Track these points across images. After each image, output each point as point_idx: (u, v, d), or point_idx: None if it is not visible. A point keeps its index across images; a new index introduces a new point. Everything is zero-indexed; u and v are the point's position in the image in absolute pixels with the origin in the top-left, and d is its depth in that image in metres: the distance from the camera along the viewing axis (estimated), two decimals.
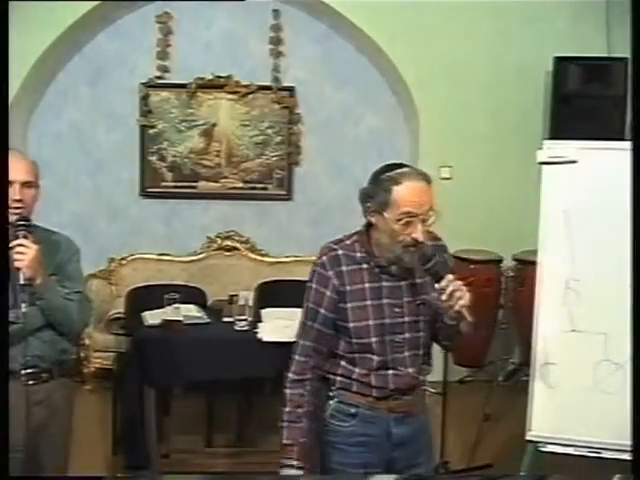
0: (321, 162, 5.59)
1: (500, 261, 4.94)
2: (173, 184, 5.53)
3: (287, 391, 2.26)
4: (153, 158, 5.49)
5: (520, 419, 2.96)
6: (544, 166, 2.96)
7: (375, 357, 2.23)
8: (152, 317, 3.70)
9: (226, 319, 3.76)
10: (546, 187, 2.95)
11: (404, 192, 2.13)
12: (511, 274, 4.93)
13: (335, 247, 2.26)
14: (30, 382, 2.44)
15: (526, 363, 3.08)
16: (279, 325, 3.59)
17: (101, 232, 5.49)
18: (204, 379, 3.72)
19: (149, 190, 5.52)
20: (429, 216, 2.15)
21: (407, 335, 2.24)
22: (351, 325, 2.22)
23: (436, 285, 2.13)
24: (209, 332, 3.68)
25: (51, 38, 5.00)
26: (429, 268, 2.13)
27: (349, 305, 2.22)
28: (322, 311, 2.24)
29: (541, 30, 5.12)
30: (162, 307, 3.60)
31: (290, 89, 5.46)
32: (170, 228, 5.58)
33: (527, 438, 2.92)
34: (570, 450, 2.86)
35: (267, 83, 5.43)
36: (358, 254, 2.24)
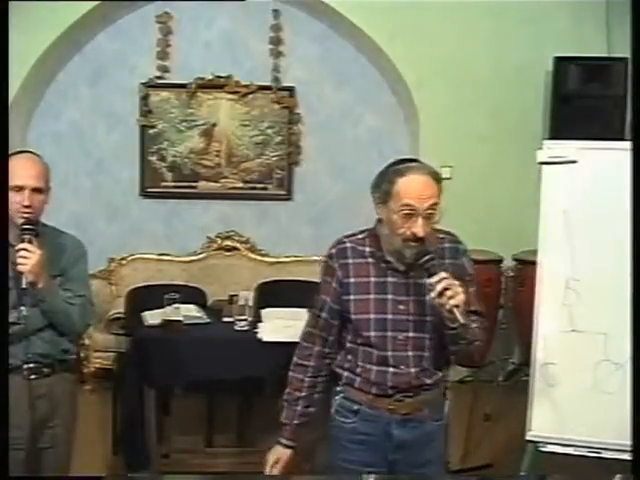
0: (321, 162, 5.59)
1: (500, 261, 4.94)
2: (173, 184, 5.53)
3: (290, 373, 2.36)
4: (153, 158, 5.49)
5: (520, 419, 2.96)
6: (544, 166, 2.96)
7: (375, 351, 2.24)
8: (152, 317, 3.70)
9: (226, 319, 3.76)
10: (546, 187, 2.95)
11: (406, 184, 2.14)
12: (511, 274, 4.93)
13: (345, 240, 2.30)
14: (32, 376, 2.47)
15: (526, 363, 3.08)
16: (279, 325, 3.58)
17: (101, 232, 5.50)
18: (204, 379, 3.72)
19: (149, 190, 5.52)
20: (432, 213, 2.14)
21: (411, 334, 2.23)
22: (353, 317, 2.25)
23: (427, 281, 2.12)
24: (209, 332, 3.68)
25: (51, 38, 5.00)
26: (422, 264, 2.12)
27: (352, 297, 2.25)
28: (328, 301, 2.29)
29: (541, 30, 5.11)
30: (162, 307, 3.60)
31: (290, 89, 5.46)
32: (170, 228, 5.58)
33: (527, 438, 2.92)
34: (570, 450, 2.86)
35: (267, 83, 5.43)
36: (367, 248, 2.26)
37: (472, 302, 2.26)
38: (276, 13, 5.39)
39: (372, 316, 2.23)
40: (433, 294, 2.09)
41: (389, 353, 2.23)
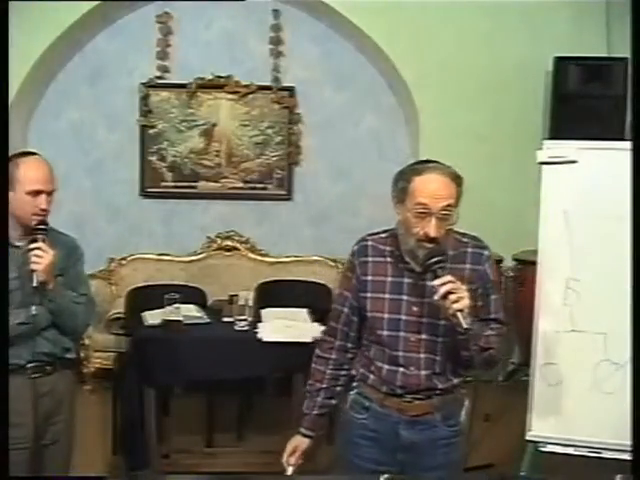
0: (321, 162, 5.58)
1: (500, 261, 4.93)
2: (173, 184, 5.53)
3: (312, 365, 2.40)
4: (153, 158, 5.49)
5: (520, 419, 2.96)
6: (544, 166, 2.95)
7: (387, 350, 2.25)
8: (152, 317, 3.70)
9: (226, 319, 3.76)
10: (546, 187, 2.94)
11: (422, 183, 2.14)
12: (511, 274, 4.92)
13: (367, 238, 2.32)
14: (35, 375, 2.49)
15: (526, 363, 3.08)
16: (279, 325, 3.59)
17: (101, 232, 5.50)
18: (204, 379, 3.73)
19: (149, 190, 5.52)
20: (447, 214, 2.14)
21: (424, 336, 2.23)
22: (368, 315, 2.28)
23: (430, 283, 2.12)
24: (209, 332, 3.68)
25: (51, 38, 5.00)
26: (429, 265, 2.11)
27: (368, 295, 2.27)
28: (349, 296, 2.33)
29: (541, 30, 5.11)
30: (162, 307, 3.60)
31: (290, 89, 5.46)
32: (170, 228, 5.58)
33: (527, 438, 2.92)
34: (570, 450, 2.86)
35: (267, 83, 5.43)
36: (387, 247, 2.27)
37: (493, 309, 2.31)
38: (276, 13, 5.39)
39: (386, 315, 2.24)
40: (436, 297, 2.08)
41: (400, 353, 2.24)
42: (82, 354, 4.67)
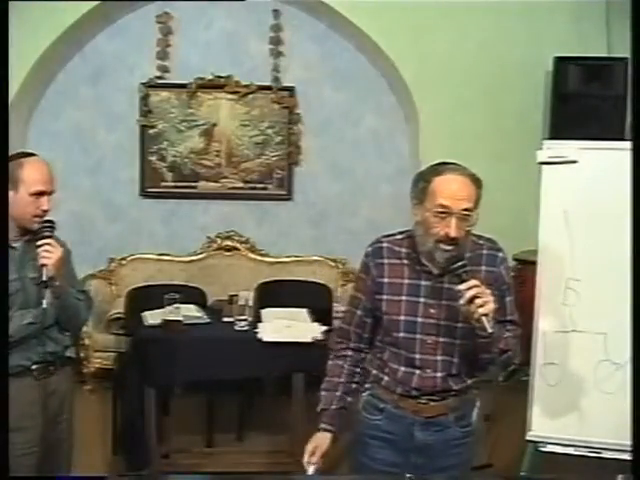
0: (321, 162, 5.58)
1: None
2: (173, 184, 5.53)
3: (329, 362, 2.38)
4: (153, 158, 5.49)
5: (520, 419, 2.97)
6: (544, 166, 2.95)
7: (403, 352, 2.24)
8: (152, 317, 3.70)
9: (226, 319, 3.76)
10: (546, 187, 2.94)
11: (442, 183, 2.14)
12: (511, 274, 4.92)
13: (382, 240, 2.31)
14: (42, 376, 2.50)
15: (526, 363, 3.08)
16: (279, 325, 3.59)
17: (101, 232, 5.50)
18: (204, 379, 3.72)
19: (149, 190, 5.52)
20: (468, 215, 2.13)
21: (440, 339, 2.22)
22: (384, 317, 2.27)
23: (456, 287, 2.10)
24: (209, 332, 3.68)
25: (51, 38, 4.99)
26: (453, 269, 2.10)
27: (385, 297, 2.26)
28: (363, 299, 2.32)
29: (541, 30, 5.11)
30: (162, 307, 3.60)
31: (290, 89, 5.46)
32: (170, 228, 5.58)
33: (527, 438, 2.92)
34: (570, 450, 2.86)
35: (267, 83, 5.43)
36: (404, 249, 2.26)
37: (509, 311, 2.29)
38: (276, 13, 5.39)
39: (402, 317, 2.23)
40: (462, 301, 2.07)
41: (417, 355, 2.23)
42: (82, 354, 4.68)
